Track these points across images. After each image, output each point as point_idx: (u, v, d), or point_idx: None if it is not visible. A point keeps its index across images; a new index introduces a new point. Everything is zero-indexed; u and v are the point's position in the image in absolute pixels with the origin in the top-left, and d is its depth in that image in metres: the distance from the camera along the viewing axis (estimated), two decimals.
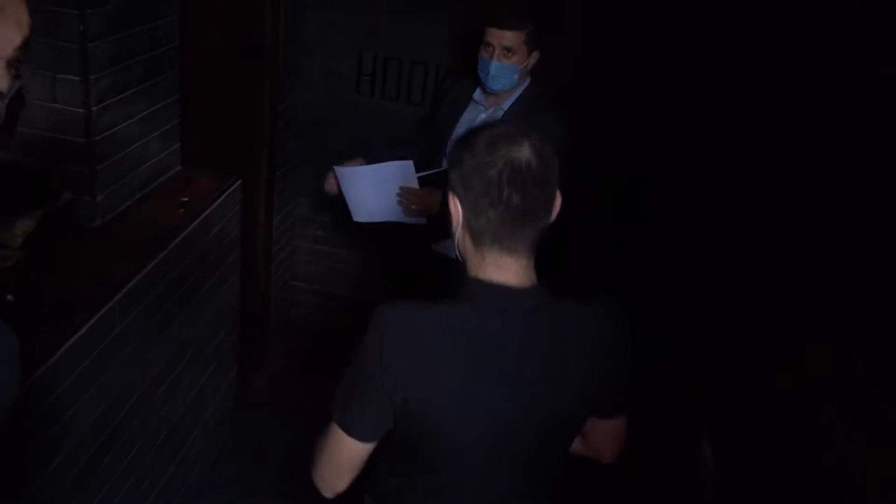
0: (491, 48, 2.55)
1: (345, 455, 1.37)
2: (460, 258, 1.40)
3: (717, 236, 2.27)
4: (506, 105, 2.66)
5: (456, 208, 1.32)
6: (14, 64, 0.94)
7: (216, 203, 2.28)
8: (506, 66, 2.55)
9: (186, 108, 2.59)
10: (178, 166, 2.39)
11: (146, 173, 2.21)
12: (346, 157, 2.87)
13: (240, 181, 2.42)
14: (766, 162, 2.00)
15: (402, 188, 2.65)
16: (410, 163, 2.61)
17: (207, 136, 2.80)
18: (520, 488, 1.46)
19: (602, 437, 1.54)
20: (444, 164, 2.63)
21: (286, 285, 3.83)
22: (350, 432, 1.34)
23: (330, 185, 2.87)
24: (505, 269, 1.31)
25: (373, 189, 2.70)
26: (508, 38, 2.53)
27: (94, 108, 1.91)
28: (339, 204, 3.68)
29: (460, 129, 2.66)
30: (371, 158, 2.77)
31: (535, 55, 2.61)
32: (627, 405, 1.50)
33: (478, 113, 2.70)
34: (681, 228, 2.74)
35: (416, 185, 2.63)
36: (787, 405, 1.59)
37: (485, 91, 2.67)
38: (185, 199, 2.23)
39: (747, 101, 2.25)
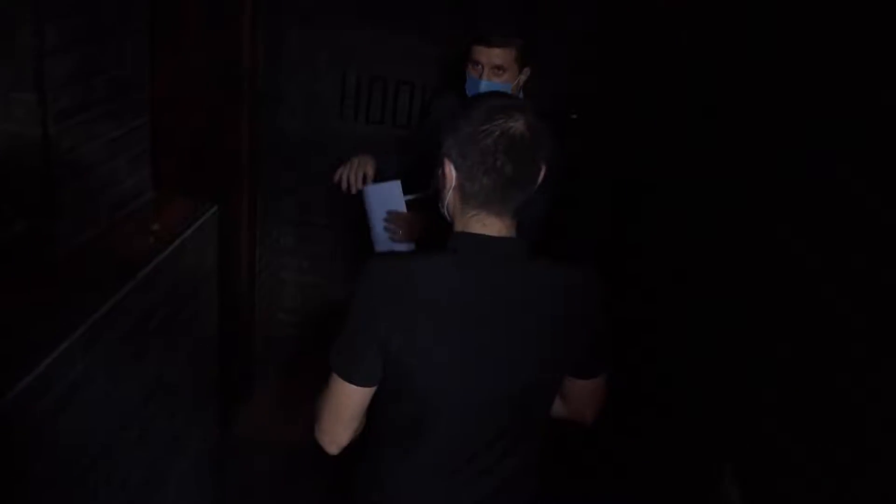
0: (479, 67, 2.40)
1: (346, 402, 1.45)
2: (448, 218, 1.50)
3: (738, 249, 2.14)
4: None
5: (450, 173, 1.42)
6: None
7: (189, 230, 2.12)
8: (496, 85, 2.41)
9: (159, 131, 2.45)
10: (148, 192, 2.24)
11: (113, 199, 2.05)
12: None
13: (216, 207, 2.27)
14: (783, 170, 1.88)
15: (388, 212, 2.45)
16: (398, 183, 2.44)
17: (182, 161, 2.66)
18: (497, 442, 1.50)
19: (580, 397, 1.61)
20: (431, 188, 2.47)
21: (272, 318, 3.67)
22: (349, 379, 1.43)
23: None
24: (490, 226, 1.43)
25: (374, 214, 2.50)
26: (497, 55, 2.38)
27: (53, 129, 1.76)
28: (326, 233, 3.56)
29: None
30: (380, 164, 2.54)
31: (527, 72, 2.47)
32: (605, 367, 1.57)
33: None
34: (686, 243, 2.60)
35: (402, 207, 2.45)
36: (825, 435, 1.43)
37: None
38: (156, 226, 2.08)
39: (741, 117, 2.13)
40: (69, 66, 1.77)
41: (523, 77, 2.47)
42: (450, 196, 1.47)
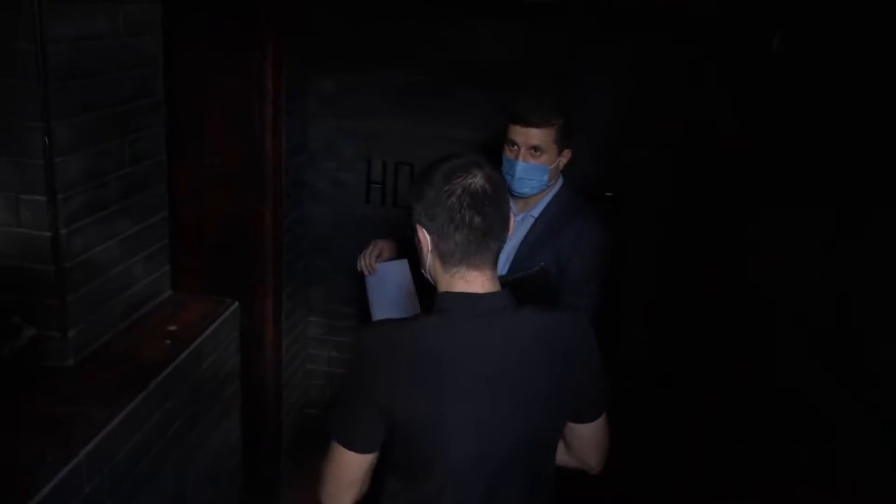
0: (516, 147, 2.28)
1: (346, 469, 1.46)
2: (431, 281, 1.54)
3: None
4: (536, 212, 2.37)
5: (424, 237, 1.47)
6: None
7: (208, 331, 2.00)
8: (534, 166, 2.27)
9: (179, 227, 2.38)
10: (167, 291, 2.14)
11: (130, 301, 1.95)
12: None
13: (236, 304, 2.16)
14: None
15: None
16: (405, 261, 2.33)
17: (204, 257, 2.57)
18: (501, 497, 1.49)
19: (583, 443, 1.61)
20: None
21: (300, 413, 3.51)
22: (349, 446, 1.44)
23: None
24: (472, 281, 1.47)
25: (377, 293, 2.41)
26: (535, 135, 2.25)
27: (64, 231, 1.67)
28: (354, 321, 3.44)
29: None
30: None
31: (567, 154, 2.33)
32: (603, 408, 1.58)
33: None
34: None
35: (410, 284, 2.34)
36: None
37: (512, 194, 2.40)
38: (174, 328, 1.97)
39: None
40: (81, 165, 1.70)
41: (563, 160, 2.33)
42: (429, 259, 1.51)
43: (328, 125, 3.18)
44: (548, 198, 2.37)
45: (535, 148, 2.25)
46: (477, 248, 1.44)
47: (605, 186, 3.05)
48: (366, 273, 2.42)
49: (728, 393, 2.53)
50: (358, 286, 3.02)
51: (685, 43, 2.83)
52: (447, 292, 1.48)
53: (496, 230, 1.45)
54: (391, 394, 1.40)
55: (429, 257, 1.50)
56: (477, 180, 1.43)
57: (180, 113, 2.33)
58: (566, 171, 2.37)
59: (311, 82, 3.13)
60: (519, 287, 2.10)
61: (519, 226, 2.39)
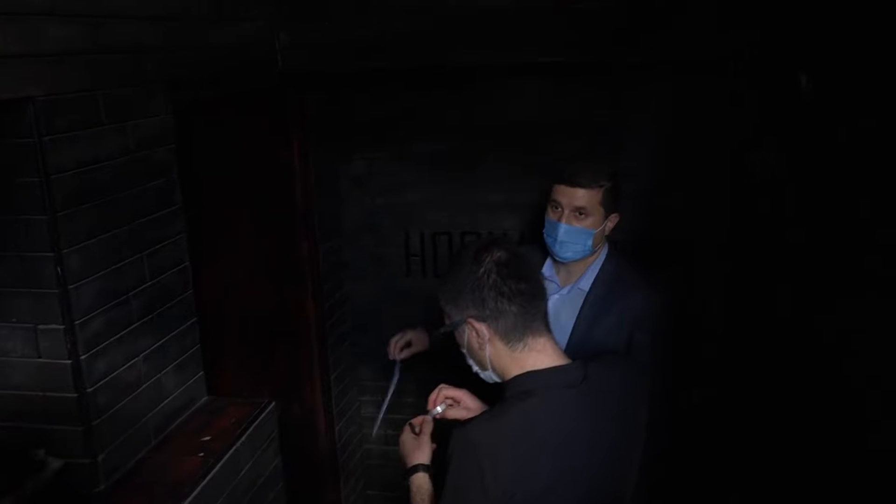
0: (560, 209, 2.16)
1: None
2: (497, 377, 1.53)
3: None
4: (584, 284, 2.23)
5: (480, 329, 1.47)
6: None
7: (243, 437, 1.95)
8: (578, 229, 2.15)
9: (216, 328, 2.36)
10: (203, 397, 2.10)
11: (162, 415, 1.92)
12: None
13: (273, 404, 2.11)
14: None
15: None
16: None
17: (245, 355, 2.54)
18: None
19: None
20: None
21: (361, 495, 3.43)
22: None
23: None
24: (542, 350, 1.48)
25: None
26: (581, 197, 2.13)
27: (84, 357, 1.65)
28: (407, 398, 3.36)
29: None
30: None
31: (614, 218, 2.21)
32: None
33: (549, 293, 2.31)
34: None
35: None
36: None
37: (554, 260, 2.29)
38: (207, 438, 1.92)
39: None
40: (97, 288, 1.68)
41: (610, 224, 2.21)
42: (489, 350, 1.49)
43: (362, 203, 3.16)
44: (595, 267, 2.24)
45: (580, 210, 2.14)
46: (534, 313, 1.47)
47: (652, 235, 2.92)
48: (390, 357, 2.37)
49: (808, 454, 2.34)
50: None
51: (722, 85, 2.71)
52: (528, 372, 1.47)
53: (540, 291, 1.50)
54: (514, 486, 1.38)
55: (488, 348, 1.49)
56: (502, 253, 1.48)
57: (206, 214, 2.33)
58: (611, 236, 2.26)
59: (341, 162, 3.12)
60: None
61: (566, 300, 2.27)
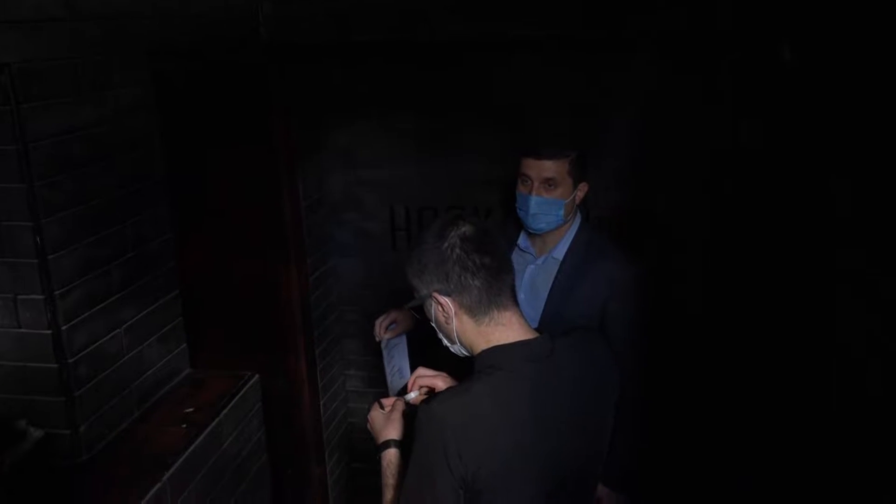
0: (529, 181, 2.18)
1: None
2: (467, 351, 1.53)
3: None
4: (558, 254, 2.26)
5: (445, 304, 1.47)
6: None
7: (226, 409, 1.96)
8: (548, 201, 2.17)
9: (199, 300, 2.35)
10: (186, 369, 2.10)
11: (144, 387, 1.92)
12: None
13: (256, 377, 2.11)
14: None
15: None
16: (402, 337, 2.26)
17: (229, 326, 2.54)
18: None
19: None
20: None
21: (346, 469, 3.44)
22: None
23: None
24: (508, 324, 1.47)
25: (388, 363, 2.35)
26: (549, 168, 2.15)
27: (64, 327, 1.65)
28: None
29: None
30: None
31: (584, 187, 2.23)
32: None
33: (526, 264, 2.32)
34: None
35: (406, 362, 2.26)
36: None
37: (528, 233, 2.30)
38: (190, 409, 1.92)
39: None
40: (77, 258, 1.67)
41: (580, 193, 2.23)
42: (456, 324, 1.50)
43: (347, 177, 3.14)
44: (568, 237, 2.26)
45: (549, 181, 2.15)
46: (498, 287, 1.47)
47: (633, 212, 2.93)
48: (377, 339, 2.35)
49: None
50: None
51: (702, 61, 2.71)
52: (494, 347, 1.47)
53: (506, 265, 1.49)
54: (479, 459, 1.38)
55: (455, 322, 1.49)
56: (467, 228, 1.47)
57: (189, 186, 2.31)
58: (583, 206, 2.27)
59: (325, 136, 3.09)
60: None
61: (541, 269, 2.29)
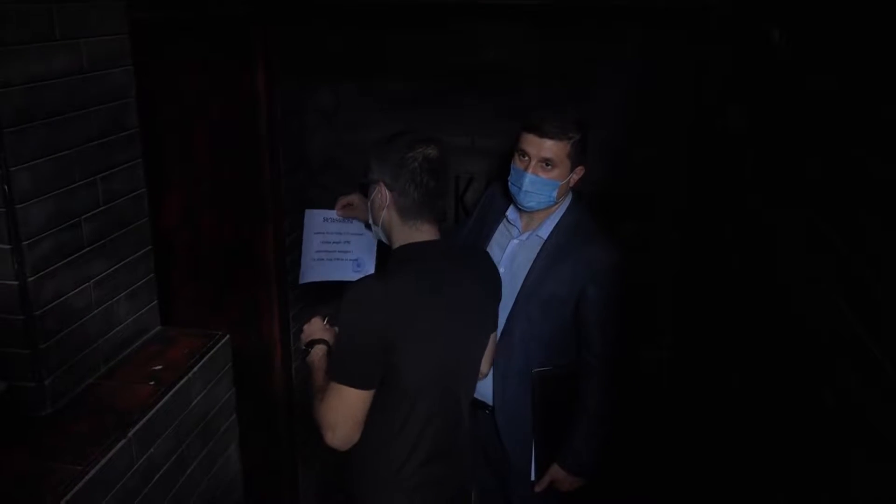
0: (527, 158, 2.14)
1: (361, 407, 1.72)
2: (384, 238, 1.86)
3: None
4: (544, 232, 2.24)
5: (384, 194, 1.77)
6: None
7: (196, 368, 1.94)
8: (543, 181, 2.14)
9: (173, 257, 2.32)
10: (157, 327, 2.08)
11: (112, 343, 1.89)
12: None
13: (227, 337, 2.09)
14: None
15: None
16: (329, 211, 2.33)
17: (202, 286, 2.51)
18: (460, 403, 1.90)
19: (487, 354, 2.07)
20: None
21: (315, 431, 3.45)
22: (363, 386, 1.70)
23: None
24: (425, 231, 1.80)
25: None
26: (549, 148, 2.11)
27: (32, 279, 1.62)
28: None
29: (491, 255, 2.28)
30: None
31: (580, 171, 2.20)
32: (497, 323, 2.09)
33: (510, 238, 2.31)
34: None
35: (369, 258, 2.38)
36: None
37: (516, 207, 2.28)
38: (159, 367, 1.90)
39: None
40: (46, 209, 1.64)
41: (575, 177, 2.20)
42: (384, 214, 1.80)
43: (328, 139, 3.11)
44: (555, 216, 2.25)
45: (547, 161, 2.12)
46: (430, 206, 1.77)
47: (615, 187, 2.92)
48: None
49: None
50: None
51: (692, 39, 2.69)
52: (409, 244, 1.78)
53: (444, 192, 1.81)
54: (393, 331, 1.67)
55: (385, 213, 1.79)
56: (434, 151, 1.75)
57: (165, 140, 2.27)
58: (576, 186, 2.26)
59: (308, 96, 3.05)
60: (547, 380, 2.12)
61: (524, 246, 2.28)
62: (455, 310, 1.80)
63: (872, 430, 1.32)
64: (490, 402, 2.33)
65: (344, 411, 1.71)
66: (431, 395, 1.80)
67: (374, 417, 1.75)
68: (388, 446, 1.81)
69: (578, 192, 2.30)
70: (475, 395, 2.36)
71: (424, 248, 1.78)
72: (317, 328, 2.00)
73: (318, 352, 1.93)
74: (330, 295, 3.28)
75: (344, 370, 1.71)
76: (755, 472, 2.03)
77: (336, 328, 1.91)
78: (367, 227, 2.10)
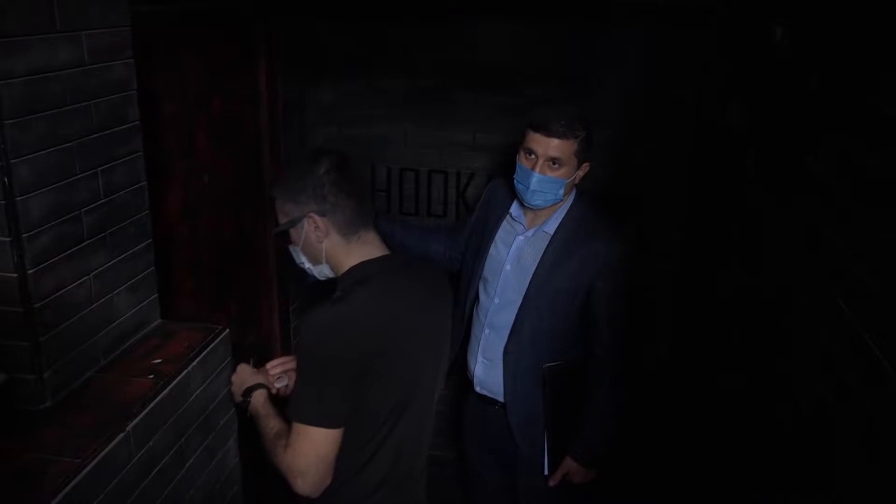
0: (534, 157, 2.15)
1: (332, 447, 1.61)
2: (331, 272, 1.75)
3: None
4: (549, 227, 2.25)
5: (320, 224, 1.67)
6: None
7: (195, 362, 1.94)
8: (550, 179, 2.15)
9: (173, 251, 2.32)
10: (157, 320, 2.08)
11: (112, 336, 1.89)
12: None
13: (227, 331, 2.09)
14: None
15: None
16: None
17: (202, 279, 2.51)
18: (425, 430, 1.84)
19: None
20: (477, 291, 2.30)
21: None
22: (330, 424, 1.59)
23: None
24: (370, 243, 1.72)
25: None
26: (556, 147, 2.12)
27: (31, 271, 1.61)
28: None
29: (495, 251, 2.28)
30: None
31: (585, 167, 2.21)
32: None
33: (515, 235, 2.31)
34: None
35: None
36: None
37: (522, 205, 2.28)
38: (158, 360, 1.90)
39: None
40: (46, 201, 1.63)
41: (580, 173, 2.22)
42: (326, 244, 1.69)
43: (329, 134, 3.11)
44: (560, 212, 2.25)
45: (555, 160, 2.13)
46: (366, 209, 1.70)
47: (615, 188, 2.92)
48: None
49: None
50: None
51: (693, 39, 2.68)
52: (361, 262, 1.69)
53: (368, 190, 1.80)
54: (367, 358, 1.58)
55: (326, 243, 1.69)
56: (336, 156, 1.68)
57: (166, 134, 2.27)
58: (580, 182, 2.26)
59: (309, 91, 3.05)
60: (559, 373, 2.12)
61: (530, 242, 2.29)
62: (420, 328, 1.72)
63: (872, 431, 1.32)
64: (500, 399, 2.35)
65: (315, 455, 1.61)
66: (402, 420, 1.72)
67: (340, 451, 1.66)
68: (357, 477, 1.71)
69: (583, 189, 2.30)
70: (484, 392, 2.37)
71: (380, 263, 1.70)
72: (247, 375, 1.93)
73: (259, 398, 1.85)
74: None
75: (311, 410, 1.60)
76: (754, 471, 2.04)
77: (268, 368, 1.93)
78: (306, 277, 1.95)
